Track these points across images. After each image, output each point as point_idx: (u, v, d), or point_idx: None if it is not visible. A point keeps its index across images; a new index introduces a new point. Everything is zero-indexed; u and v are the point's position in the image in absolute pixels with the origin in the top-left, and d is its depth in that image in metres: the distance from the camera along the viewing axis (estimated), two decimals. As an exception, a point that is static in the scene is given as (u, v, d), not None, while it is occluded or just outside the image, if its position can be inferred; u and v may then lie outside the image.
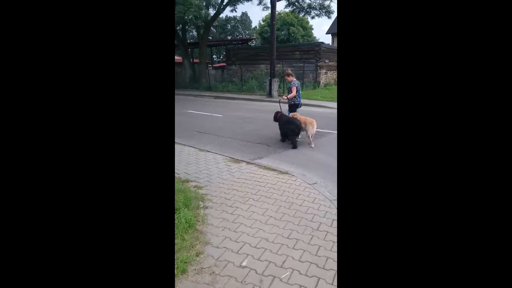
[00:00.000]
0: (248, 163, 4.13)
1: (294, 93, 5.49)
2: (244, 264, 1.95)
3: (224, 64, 20.83)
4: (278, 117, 5.36)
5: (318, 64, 14.83)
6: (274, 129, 5.71)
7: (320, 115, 7.89)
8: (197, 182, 3.40)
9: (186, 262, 1.92)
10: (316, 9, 18.30)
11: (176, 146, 5.04)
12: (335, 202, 2.83)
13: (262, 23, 30.98)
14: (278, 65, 13.59)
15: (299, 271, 1.88)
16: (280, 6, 38.36)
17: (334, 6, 18.77)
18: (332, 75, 16.47)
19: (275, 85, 12.43)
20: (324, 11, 18.52)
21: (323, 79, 15.33)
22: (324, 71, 15.41)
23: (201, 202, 2.83)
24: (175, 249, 2.02)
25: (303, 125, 5.10)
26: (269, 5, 14.91)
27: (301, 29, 29.11)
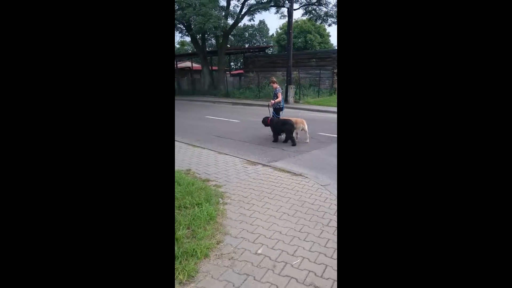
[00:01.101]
0: (264, 165, 4.36)
1: (279, 98, 6.41)
2: (259, 252, 2.18)
3: (241, 71, 21.28)
4: (269, 121, 6.07)
5: (334, 71, 14.95)
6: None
7: (335, 121, 8.02)
8: (217, 181, 3.66)
9: (208, 248, 2.17)
10: (333, 16, 18.50)
11: (195, 148, 5.36)
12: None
13: (280, 30, 31.48)
14: (295, 72, 13.84)
15: (308, 259, 2.09)
16: (297, 14, 38.70)
17: (351, 14, 18.91)
18: (349, 82, 16.50)
19: (291, 92, 12.67)
20: (341, 18, 18.70)
21: (336, 85, 15.41)
22: (340, 77, 15.49)
23: (220, 199, 3.09)
24: (198, 237, 2.28)
25: (295, 125, 5.81)
26: (286, 13, 15.26)
27: (318, 36, 29.33)
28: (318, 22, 20.82)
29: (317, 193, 3.26)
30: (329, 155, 5.01)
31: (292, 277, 1.91)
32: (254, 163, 4.44)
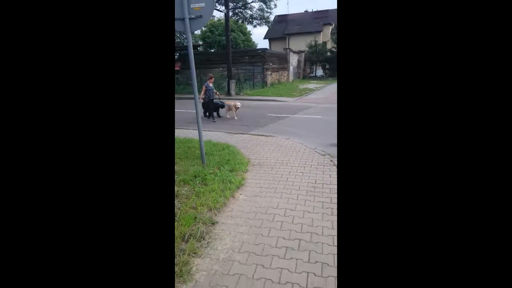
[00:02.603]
0: (242, 134, 6.48)
1: (203, 90, 8.47)
2: (266, 160, 4.37)
3: (178, 68, 22.21)
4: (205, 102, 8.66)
5: (264, 67, 17.66)
6: (243, 117, 8.13)
7: (276, 106, 10.59)
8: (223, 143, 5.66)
9: (243, 163, 4.24)
10: (257, 19, 21.24)
11: (187, 130, 7.10)
12: (298, 143, 5.40)
13: (204, 28, 32.97)
14: (233, 69, 15.98)
15: (282, 161, 4.37)
16: (221, 14, 40.56)
17: (271, 17, 21.97)
18: (276, 76, 19.52)
19: (233, 85, 14.84)
20: (264, 21, 21.58)
21: (269, 79, 18.23)
22: (269, 72, 18.32)
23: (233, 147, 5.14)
24: (235, 162, 4.31)
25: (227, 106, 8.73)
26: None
27: (241, 34, 31.96)
28: (246, 24, 23.30)
29: (285, 142, 5.60)
30: (282, 126, 7.43)
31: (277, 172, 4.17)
32: (234, 134, 6.52)
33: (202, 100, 8.41)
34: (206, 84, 8.47)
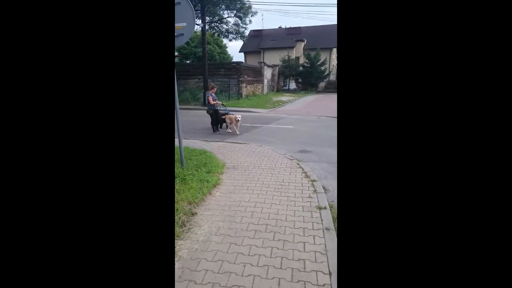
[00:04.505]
0: (218, 141, 6.91)
1: (211, 101, 8.31)
2: (241, 164, 4.84)
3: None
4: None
5: (240, 79, 18.31)
6: (222, 128, 8.61)
7: (250, 116, 11.15)
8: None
9: (218, 166, 4.67)
10: (233, 33, 22.05)
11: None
12: (270, 150, 5.93)
13: (181, 40, 33.41)
14: (209, 80, 16.46)
15: (255, 164, 4.88)
16: (198, 27, 41.05)
17: (247, 32, 22.89)
18: (251, 88, 20.25)
19: (209, 97, 15.31)
20: (239, 35, 22.45)
21: (244, 91, 18.90)
22: (244, 85, 19.01)
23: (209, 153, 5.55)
24: (211, 164, 4.73)
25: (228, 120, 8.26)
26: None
27: (217, 47, 32.75)
28: (221, 37, 24.02)
29: (259, 149, 6.10)
30: (255, 135, 7.96)
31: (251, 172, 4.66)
32: (211, 141, 6.93)
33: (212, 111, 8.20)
34: (209, 94, 8.24)
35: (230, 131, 8.30)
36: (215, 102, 8.29)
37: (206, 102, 8.46)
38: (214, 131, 8.31)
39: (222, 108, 8.84)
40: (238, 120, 8.06)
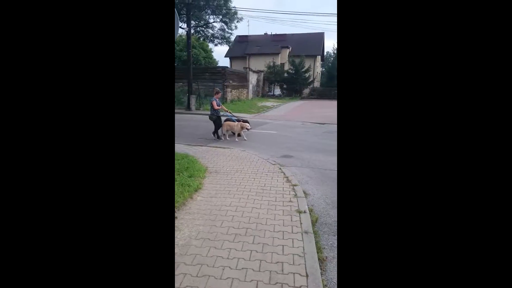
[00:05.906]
0: (201, 146, 6.89)
1: (215, 107, 7.89)
2: (223, 168, 4.85)
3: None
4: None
5: (225, 83, 18.34)
6: (203, 130, 8.61)
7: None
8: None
9: (201, 170, 4.66)
10: (218, 38, 22.18)
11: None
12: (253, 154, 5.98)
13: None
14: (194, 84, 16.38)
15: (237, 169, 4.91)
16: (183, 31, 41.11)
17: (232, 37, 23.09)
18: (236, 93, 20.32)
19: (193, 101, 15.19)
20: (225, 40, 22.61)
21: (229, 96, 18.93)
22: (229, 89, 19.05)
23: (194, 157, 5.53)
24: (194, 168, 4.72)
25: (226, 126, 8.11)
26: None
27: (202, 51, 32.71)
28: (207, 42, 24.07)
29: (241, 154, 6.14)
30: (239, 139, 7.99)
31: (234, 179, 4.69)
32: (195, 146, 6.91)
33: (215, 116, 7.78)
34: (213, 99, 7.78)
35: (236, 139, 7.79)
36: (219, 107, 7.87)
37: (210, 107, 7.98)
38: (217, 138, 7.88)
39: (227, 115, 8.44)
40: (248, 129, 7.71)
